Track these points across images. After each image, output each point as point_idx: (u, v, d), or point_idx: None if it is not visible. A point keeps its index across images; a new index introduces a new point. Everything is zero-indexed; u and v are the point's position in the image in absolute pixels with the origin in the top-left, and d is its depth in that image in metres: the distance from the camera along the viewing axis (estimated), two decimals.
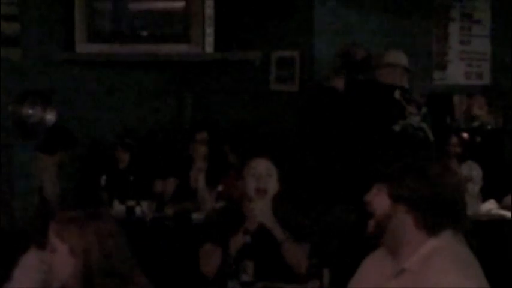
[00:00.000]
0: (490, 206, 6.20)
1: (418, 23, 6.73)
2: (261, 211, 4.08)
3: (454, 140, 6.68)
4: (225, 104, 6.89)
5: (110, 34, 6.69)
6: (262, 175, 4.14)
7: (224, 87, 6.94)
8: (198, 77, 7.10)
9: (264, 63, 6.65)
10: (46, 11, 6.79)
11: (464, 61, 6.94)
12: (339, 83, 5.91)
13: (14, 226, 6.32)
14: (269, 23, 6.62)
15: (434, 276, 2.41)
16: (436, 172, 2.51)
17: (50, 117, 6.79)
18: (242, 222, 4.09)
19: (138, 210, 5.97)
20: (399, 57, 5.94)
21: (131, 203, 6.00)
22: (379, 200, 2.54)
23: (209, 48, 6.52)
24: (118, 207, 6.03)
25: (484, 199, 6.24)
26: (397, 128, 5.63)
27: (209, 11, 6.51)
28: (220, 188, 6.10)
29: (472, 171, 6.21)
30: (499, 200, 6.25)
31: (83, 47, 6.63)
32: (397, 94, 5.73)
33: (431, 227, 2.49)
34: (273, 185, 4.16)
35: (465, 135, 7.00)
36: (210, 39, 6.51)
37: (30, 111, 6.74)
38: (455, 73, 6.92)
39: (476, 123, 7.22)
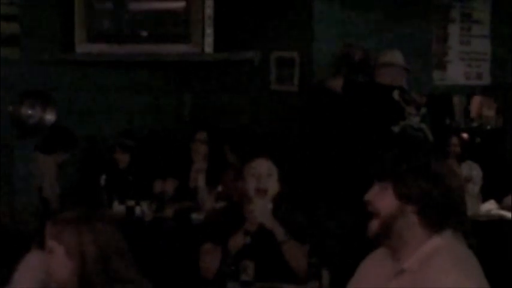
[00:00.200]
0: (490, 206, 6.20)
1: (418, 23, 6.73)
2: (261, 211, 4.08)
3: (454, 140, 6.69)
4: (225, 104, 6.89)
5: (110, 34, 6.68)
6: (263, 175, 4.14)
7: (224, 87, 6.94)
8: (198, 77, 7.10)
9: (264, 63, 6.64)
10: (46, 11, 6.78)
11: (464, 61, 6.93)
12: (337, 84, 5.91)
13: (14, 226, 6.32)
14: (269, 23, 6.62)
15: (435, 276, 2.41)
16: (440, 172, 2.52)
17: (50, 117, 6.78)
18: (242, 223, 4.09)
19: (137, 210, 5.98)
20: (395, 57, 5.94)
21: (131, 203, 6.00)
22: (384, 200, 2.52)
23: (209, 48, 6.52)
24: (118, 208, 6.03)
25: (484, 199, 6.25)
26: (396, 129, 5.63)
27: (209, 11, 6.51)
28: (220, 188, 6.10)
29: (472, 172, 6.21)
30: (499, 200, 6.25)
31: (83, 47, 6.63)
32: (395, 95, 5.73)
33: (435, 226, 2.49)
34: (273, 186, 4.16)
35: (465, 135, 7.01)
36: (209, 39, 6.51)
37: (30, 111, 6.74)
38: (455, 73, 6.91)
39: (475, 124, 7.23)
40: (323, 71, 6.32)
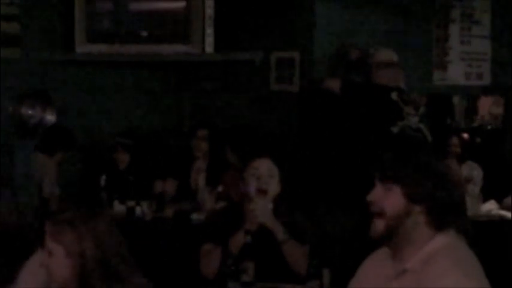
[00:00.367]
0: (490, 207, 6.20)
1: (418, 24, 6.73)
2: (261, 211, 4.08)
3: (454, 140, 6.69)
4: (225, 104, 6.89)
5: (109, 34, 6.68)
6: (264, 176, 4.13)
7: (224, 87, 6.93)
8: (198, 77, 7.09)
9: (264, 63, 6.64)
10: (46, 11, 6.78)
11: (464, 61, 6.93)
12: (335, 85, 5.90)
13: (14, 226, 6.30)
14: (269, 23, 6.62)
15: (436, 276, 2.41)
16: (443, 171, 2.52)
17: (50, 117, 6.78)
18: (242, 223, 4.09)
19: (138, 210, 5.97)
20: (391, 55, 5.93)
21: (131, 203, 5.99)
22: (390, 200, 2.52)
23: (209, 48, 6.52)
24: (118, 208, 6.03)
25: (485, 199, 6.24)
26: (395, 130, 5.62)
27: (209, 11, 6.51)
28: (220, 188, 6.09)
29: (472, 172, 6.20)
30: (499, 201, 6.25)
31: (83, 47, 6.62)
32: (394, 95, 5.72)
33: (440, 226, 2.50)
34: (274, 186, 4.16)
35: (465, 135, 7.00)
36: (210, 39, 6.51)
37: (30, 112, 6.73)
38: (456, 73, 6.91)
39: (475, 124, 7.23)
40: (323, 71, 6.32)
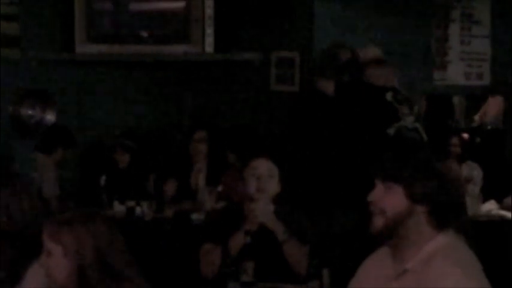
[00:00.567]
0: (490, 207, 6.19)
1: (418, 24, 6.74)
2: (261, 211, 4.07)
3: (454, 140, 6.68)
4: (225, 104, 6.89)
5: (110, 34, 6.68)
6: (263, 176, 4.13)
7: (224, 88, 6.94)
8: (198, 77, 7.09)
9: (264, 63, 6.65)
10: (46, 11, 6.78)
11: (464, 61, 6.94)
12: (328, 86, 5.87)
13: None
14: (269, 23, 6.62)
15: (436, 276, 2.41)
16: (444, 171, 2.53)
17: (50, 117, 6.78)
18: (242, 223, 4.09)
19: (138, 210, 5.97)
20: (376, 51, 5.89)
21: (131, 203, 5.99)
22: (392, 200, 2.52)
23: (209, 49, 6.52)
24: (118, 208, 6.02)
25: (485, 199, 6.24)
26: (391, 131, 5.60)
27: (209, 11, 6.51)
28: (220, 188, 6.09)
29: (472, 172, 6.20)
30: (499, 201, 6.24)
31: (83, 47, 6.63)
32: (388, 96, 5.70)
33: (441, 225, 2.50)
34: (274, 186, 4.15)
35: (465, 135, 7.00)
36: (210, 39, 6.51)
37: (29, 111, 6.74)
38: (455, 73, 6.92)
39: (475, 124, 7.23)
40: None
